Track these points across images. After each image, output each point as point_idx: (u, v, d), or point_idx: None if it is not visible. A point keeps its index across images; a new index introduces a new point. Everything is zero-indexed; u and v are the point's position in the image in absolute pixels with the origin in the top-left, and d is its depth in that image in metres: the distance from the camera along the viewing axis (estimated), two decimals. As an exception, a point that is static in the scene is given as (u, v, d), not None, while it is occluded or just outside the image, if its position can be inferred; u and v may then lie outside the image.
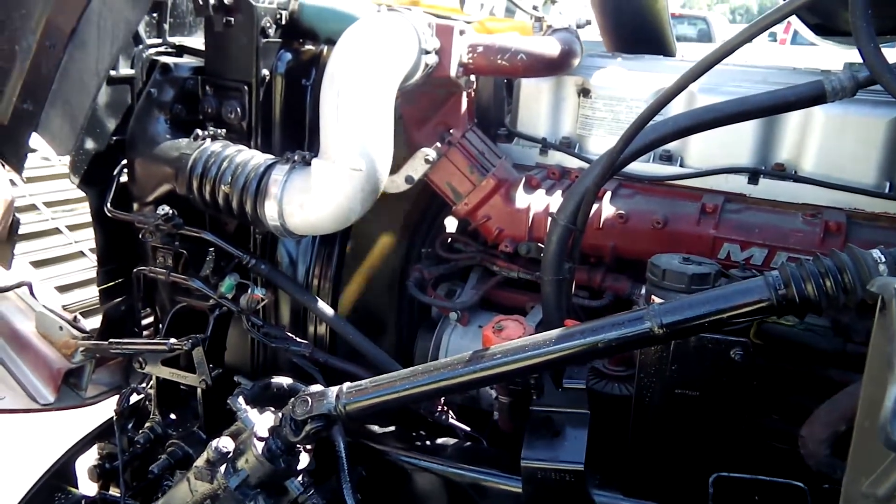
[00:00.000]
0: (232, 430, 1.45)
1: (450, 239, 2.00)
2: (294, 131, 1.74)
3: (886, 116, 1.58)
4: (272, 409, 1.48)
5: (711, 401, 1.34)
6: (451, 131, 1.69)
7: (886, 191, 1.60)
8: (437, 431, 1.68)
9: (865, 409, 0.83)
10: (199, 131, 1.57)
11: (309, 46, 1.73)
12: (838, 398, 1.34)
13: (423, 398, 1.31)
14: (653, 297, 1.41)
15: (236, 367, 1.82)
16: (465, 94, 1.70)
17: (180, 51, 1.76)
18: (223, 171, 1.50)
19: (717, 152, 1.73)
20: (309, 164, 1.49)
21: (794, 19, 1.96)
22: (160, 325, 1.77)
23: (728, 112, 1.41)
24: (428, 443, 1.64)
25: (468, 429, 1.68)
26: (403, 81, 1.46)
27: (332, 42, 1.72)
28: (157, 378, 1.75)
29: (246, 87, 1.62)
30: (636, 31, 2.18)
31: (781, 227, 1.61)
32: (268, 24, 1.60)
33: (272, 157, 1.53)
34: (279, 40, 1.65)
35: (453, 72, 1.53)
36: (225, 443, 1.41)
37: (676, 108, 1.75)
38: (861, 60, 1.17)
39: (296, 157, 1.48)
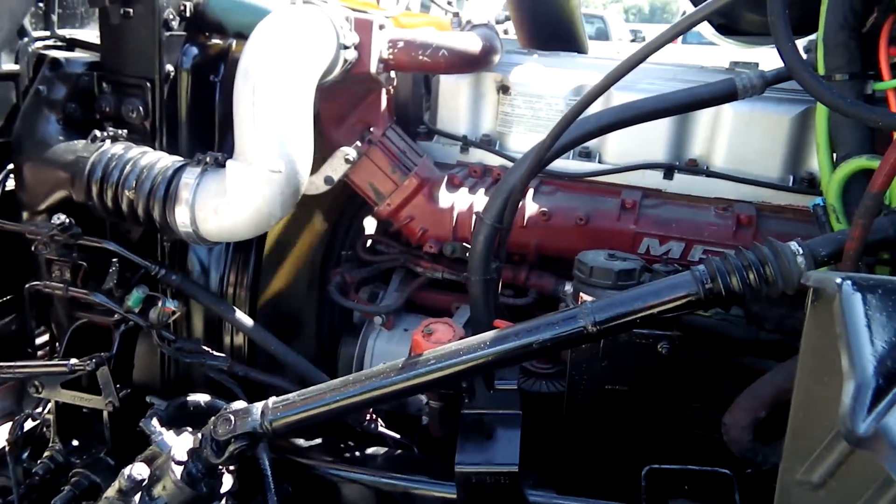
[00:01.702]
0: (146, 454, 1.35)
1: (370, 241, 1.94)
2: (202, 131, 1.63)
3: (790, 113, 1.65)
4: (189, 429, 1.39)
5: (641, 394, 1.36)
6: (372, 129, 1.64)
7: (791, 184, 1.67)
8: (366, 441, 1.63)
9: (800, 401, 0.86)
10: (97, 132, 1.45)
11: (216, 40, 1.63)
12: (758, 385, 1.39)
13: (355, 409, 1.26)
14: (581, 294, 1.42)
15: (145, 386, 1.70)
16: (384, 90, 1.65)
17: (71, 44, 1.62)
18: (126, 176, 1.38)
19: (633, 149, 1.76)
20: (222, 165, 1.41)
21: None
22: (57, 345, 1.62)
23: (648, 109, 1.44)
24: (357, 453, 1.58)
25: (398, 436, 1.63)
26: (322, 77, 1.40)
27: (242, 36, 1.63)
28: (57, 402, 1.60)
29: (148, 84, 1.50)
30: (551, 29, 2.19)
31: (697, 221, 1.66)
32: (171, 16, 1.49)
33: (180, 159, 1.43)
34: (184, 34, 1.54)
35: (373, 68, 1.48)
36: (139, 469, 1.30)
37: (592, 106, 1.77)
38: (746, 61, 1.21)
39: (207, 159, 1.38)
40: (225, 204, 1.33)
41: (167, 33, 1.49)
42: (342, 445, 1.62)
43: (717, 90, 1.42)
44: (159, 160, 1.41)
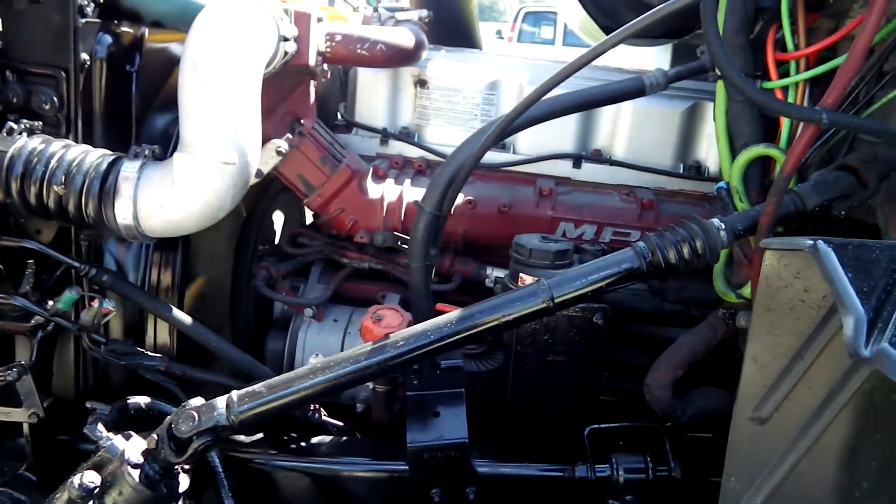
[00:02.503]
0: (94, 461, 1.27)
1: (290, 234, 1.93)
2: (118, 123, 1.56)
3: (679, 108, 1.86)
4: (132, 432, 1.33)
5: (578, 363, 1.50)
6: (303, 122, 1.64)
7: (681, 171, 1.89)
8: (309, 432, 1.64)
9: (753, 352, 1.01)
10: (12, 125, 1.34)
11: (126, 28, 1.56)
12: (675, 349, 1.57)
13: (324, 395, 1.27)
14: (521, 275, 1.53)
15: (57, 393, 1.59)
16: (312, 83, 1.66)
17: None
18: (53, 171, 1.30)
19: (544, 140, 1.90)
20: (160, 158, 1.36)
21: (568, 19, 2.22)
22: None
23: (571, 104, 1.57)
24: (303, 444, 1.59)
25: (341, 424, 1.66)
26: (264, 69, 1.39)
27: (157, 25, 1.58)
28: (-37, 419, 1.46)
29: (63, 74, 1.42)
30: (452, 26, 2.29)
31: (605, 206, 1.82)
32: (85, 2, 1.41)
33: (110, 152, 1.37)
34: (98, 21, 1.46)
35: (312, 60, 1.49)
36: (89, 477, 1.23)
37: (508, 100, 1.90)
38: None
39: (146, 152, 1.33)
40: (172, 197, 1.30)
41: (83, 20, 1.41)
42: (285, 438, 1.61)
43: (628, 87, 1.58)
44: (87, 154, 1.34)
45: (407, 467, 1.49)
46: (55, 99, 1.41)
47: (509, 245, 1.83)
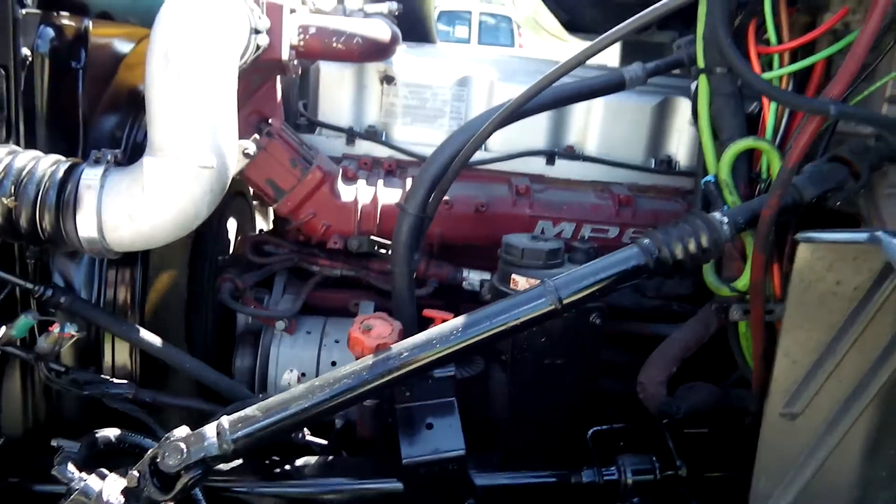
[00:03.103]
0: (66, 504, 1.14)
1: (252, 242, 1.81)
2: (64, 125, 1.41)
3: (650, 103, 1.86)
4: (103, 469, 1.20)
5: (576, 365, 1.46)
6: (270, 121, 1.53)
7: (653, 167, 1.88)
8: (290, 454, 1.53)
9: (786, 346, 0.99)
10: (-54, 129, 1.18)
11: (68, 21, 1.42)
12: (667, 345, 1.56)
13: (323, 415, 1.18)
14: (513, 276, 1.47)
15: (3, 430, 1.43)
16: (278, 80, 1.55)
17: None
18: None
19: (516, 137, 1.85)
20: (121, 164, 1.23)
21: (551, 18, 2.19)
22: None
23: (553, 98, 1.53)
24: (287, 467, 1.48)
25: (325, 442, 1.56)
26: (236, 64, 1.28)
27: (105, 16, 1.44)
28: None
29: (2, 71, 1.26)
30: (409, 22, 2.20)
31: (583, 203, 1.79)
32: None
33: (62, 158, 1.23)
34: (38, 11, 1.31)
35: (285, 54, 1.38)
36: (64, 525, 1.10)
37: (478, 97, 1.84)
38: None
39: (108, 157, 1.20)
40: (142, 207, 1.17)
41: (23, 11, 1.26)
42: (266, 462, 1.50)
43: (608, 81, 1.55)
44: (39, 160, 1.20)
45: (400, 484, 1.42)
46: None
47: (486, 246, 1.78)
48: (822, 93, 1.16)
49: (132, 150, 1.48)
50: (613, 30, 1.23)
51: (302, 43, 1.43)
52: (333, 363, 1.67)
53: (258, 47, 1.33)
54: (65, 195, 1.16)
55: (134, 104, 1.62)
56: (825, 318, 0.93)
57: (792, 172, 1.20)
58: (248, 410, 1.16)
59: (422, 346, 1.19)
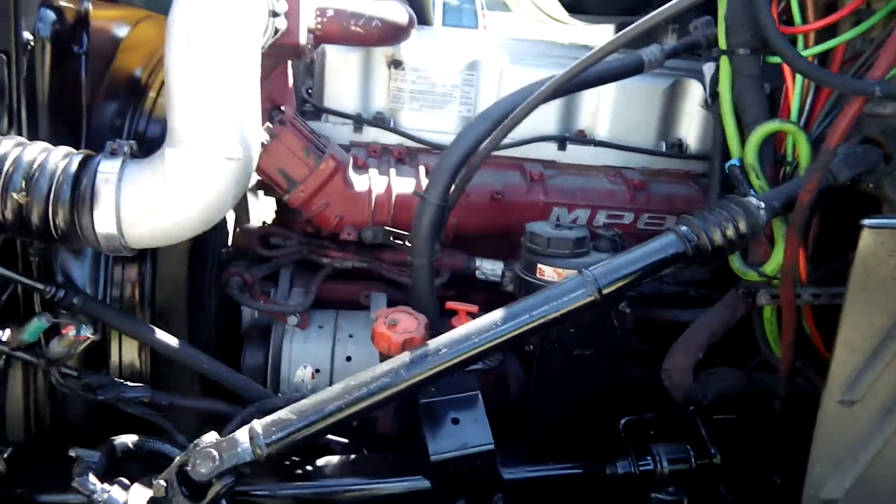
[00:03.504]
0: (89, 520, 1.08)
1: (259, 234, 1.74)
2: (67, 113, 1.33)
3: (661, 86, 1.83)
4: (124, 479, 1.14)
5: (605, 355, 1.43)
6: (283, 109, 1.46)
7: (664, 150, 1.86)
8: (310, 454, 1.48)
9: (845, 334, 0.98)
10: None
11: (66, 3, 1.33)
12: (693, 331, 1.54)
13: (360, 416, 1.14)
14: (539, 265, 1.44)
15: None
16: (289, 65, 1.49)
17: None
18: (9, 175, 1.07)
19: (527, 122, 1.79)
20: (137, 156, 1.16)
21: (551, 1, 2.14)
22: None
23: (572, 84, 1.48)
24: (308, 467, 1.43)
25: (346, 441, 1.51)
26: (254, 49, 1.21)
27: (106, -1, 1.35)
28: None
29: (3, 57, 1.18)
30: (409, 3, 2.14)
31: (597, 189, 1.77)
32: None
33: (74, 150, 1.15)
34: None
35: (303, 38, 1.32)
36: (91, 539, 1.04)
37: (488, 81, 1.79)
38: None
39: (125, 148, 1.13)
40: (165, 201, 1.10)
41: None
42: (286, 463, 1.45)
43: (628, 64, 1.52)
44: (49, 153, 1.12)
45: (426, 481, 1.38)
46: None
47: (500, 235, 1.75)
48: (867, 74, 1.14)
49: (135, 140, 1.41)
50: (650, 14, 1.19)
51: (320, 26, 1.37)
52: (348, 358, 1.62)
53: (276, 31, 1.26)
54: (80, 190, 1.08)
55: (133, 91, 1.54)
56: (887, 303, 0.92)
57: (832, 154, 1.18)
58: (282, 413, 1.11)
59: (460, 341, 1.15)
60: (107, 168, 1.10)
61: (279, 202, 1.84)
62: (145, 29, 1.63)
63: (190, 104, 1.08)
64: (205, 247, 1.76)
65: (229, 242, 1.90)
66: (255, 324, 1.73)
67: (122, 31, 1.53)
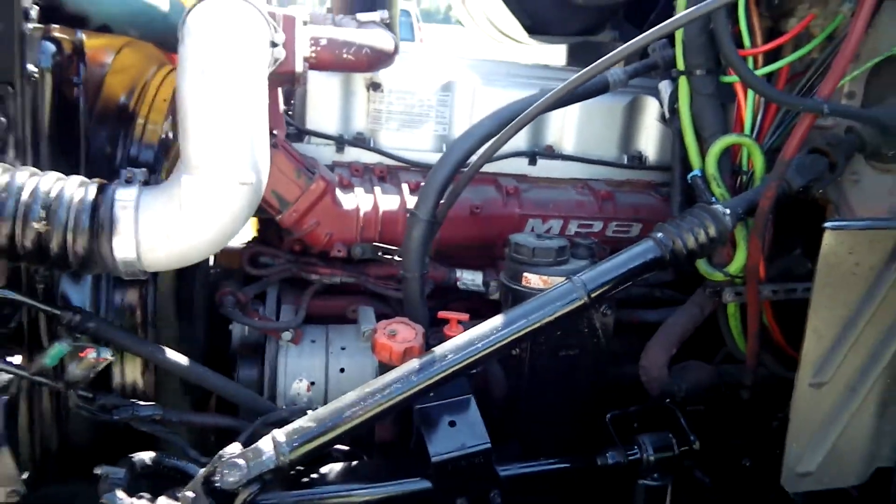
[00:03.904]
0: (119, 536, 1.11)
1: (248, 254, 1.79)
2: (66, 143, 1.36)
3: (621, 103, 1.97)
4: (146, 495, 1.18)
5: (588, 355, 1.54)
6: (275, 132, 1.52)
7: (625, 162, 2.00)
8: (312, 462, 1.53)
9: (814, 325, 1.11)
10: (-40, 153, 1.12)
11: (62, 35, 1.37)
12: (666, 329, 1.67)
13: (374, 420, 1.21)
14: (525, 274, 1.54)
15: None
16: (279, 91, 1.55)
17: None
18: (27, 206, 1.11)
19: (499, 139, 1.91)
20: (148, 182, 1.21)
21: (511, 21, 2.26)
22: None
23: (545, 106, 1.59)
24: (312, 475, 1.48)
25: (346, 448, 1.57)
26: (256, 78, 1.28)
27: (105, 30, 1.40)
28: None
29: (10, 89, 1.21)
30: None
31: (567, 200, 1.88)
32: (29, 5, 1.22)
33: (85, 178, 1.19)
34: (42, 26, 1.27)
35: (299, 66, 1.39)
36: (123, 555, 1.08)
37: (461, 102, 1.89)
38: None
39: (140, 177, 1.17)
40: (180, 226, 1.15)
41: (30, 26, 1.22)
42: (291, 472, 1.49)
43: (594, 85, 1.65)
44: (64, 182, 1.16)
45: (426, 482, 1.45)
46: (2, 118, 1.20)
47: (480, 247, 1.84)
48: (815, 92, 1.29)
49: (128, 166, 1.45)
50: (637, 38, 1.29)
51: (314, 54, 1.44)
52: (342, 370, 1.68)
53: (275, 60, 1.33)
54: (98, 217, 1.12)
55: (121, 117, 1.57)
56: (846, 296, 1.05)
57: (787, 165, 1.32)
58: (301, 422, 1.17)
59: (465, 346, 1.24)
60: (124, 196, 1.14)
61: (262, 221, 1.89)
62: (128, 55, 1.66)
63: (204, 133, 1.13)
64: (191, 266, 1.80)
65: (211, 262, 1.93)
66: (245, 341, 1.78)
67: (109, 58, 1.57)
